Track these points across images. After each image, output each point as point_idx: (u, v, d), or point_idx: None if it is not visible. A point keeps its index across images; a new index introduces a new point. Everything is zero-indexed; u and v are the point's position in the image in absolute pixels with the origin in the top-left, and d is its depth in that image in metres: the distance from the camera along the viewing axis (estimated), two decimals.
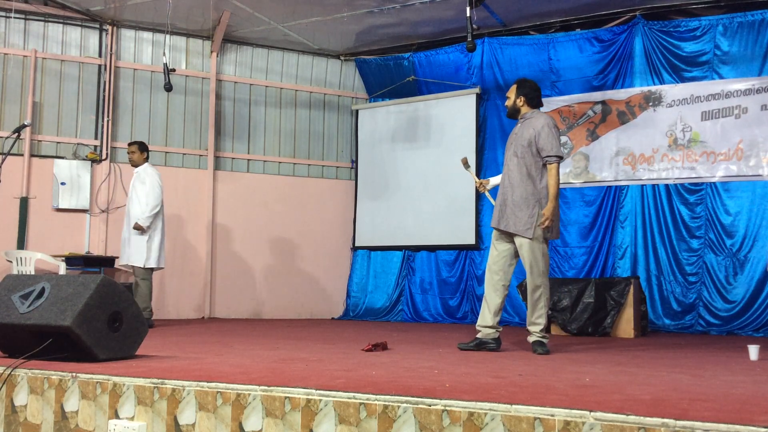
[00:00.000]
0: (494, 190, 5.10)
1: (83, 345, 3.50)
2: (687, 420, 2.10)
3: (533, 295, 4.64)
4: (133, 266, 6.88)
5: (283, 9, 8.13)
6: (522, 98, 4.80)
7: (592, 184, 7.90)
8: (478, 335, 4.76)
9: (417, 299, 8.90)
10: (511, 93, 4.86)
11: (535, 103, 4.82)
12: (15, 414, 3.30)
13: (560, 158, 4.63)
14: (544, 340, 4.65)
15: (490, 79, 8.63)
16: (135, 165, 6.99)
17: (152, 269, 6.88)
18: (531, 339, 4.69)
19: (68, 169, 8.16)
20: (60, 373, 3.24)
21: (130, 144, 7.14)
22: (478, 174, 8.51)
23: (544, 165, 4.65)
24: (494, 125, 8.61)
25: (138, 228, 6.73)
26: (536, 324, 4.65)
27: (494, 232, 4.82)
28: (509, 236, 4.72)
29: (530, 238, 4.58)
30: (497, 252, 4.76)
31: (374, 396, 2.55)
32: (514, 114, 4.88)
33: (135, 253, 6.78)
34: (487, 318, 4.73)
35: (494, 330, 4.73)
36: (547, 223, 4.56)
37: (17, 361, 3.43)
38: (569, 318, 6.57)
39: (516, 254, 4.75)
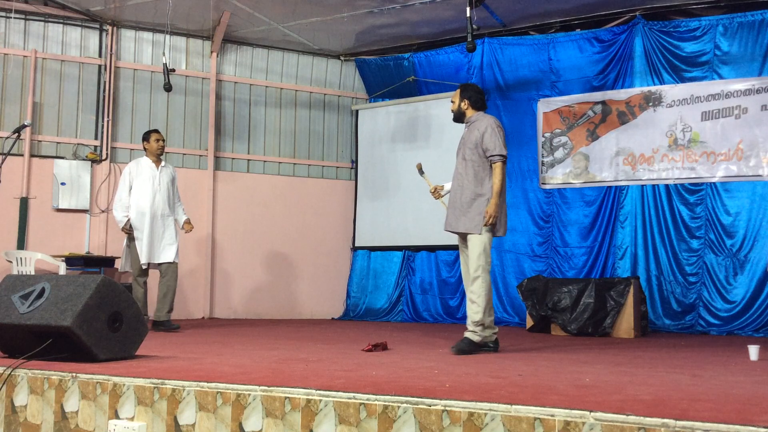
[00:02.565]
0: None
1: (83, 345, 3.50)
2: (687, 420, 2.10)
3: (470, 288, 4.62)
4: (173, 264, 6.51)
5: (283, 9, 8.13)
6: (466, 102, 4.89)
7: (592, 184, 7.90)
8: None
9: (417, 299, 8.90)
10: (455, 98, 4.95)
11: (479, 105, 4.91)
12: (15, 414, 3.30)
13: (504, 157, 4.70)
14: (472, 338, 4.57)
15: (491, 79, 8.62)
16: (161, 155, 6.63)
17: None
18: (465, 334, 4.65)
19: (68, 170, 8.16)
20: (60, 373, 3.24)
21: (157, 131, 6.68)
22: None
23: (491, 165, 4.72)
24: None
25: (191, 229, 6.70)
26: (471, 320, 4.60)
27: (458, 238, 4.90)
28: (464, 237, 4.78)
29: (479, 234, 4.64)
30: (462, 255, 4.87)
31: (374, 396, 2.55)
32: (459, 118, 4.96)
33: (177, 251, 6.55)
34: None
35: (492, 332, 4.72)
36: (490, 221, 4.61)
37: (17, 361, 3.43)
38: (569, 318, 6.57)
39: None
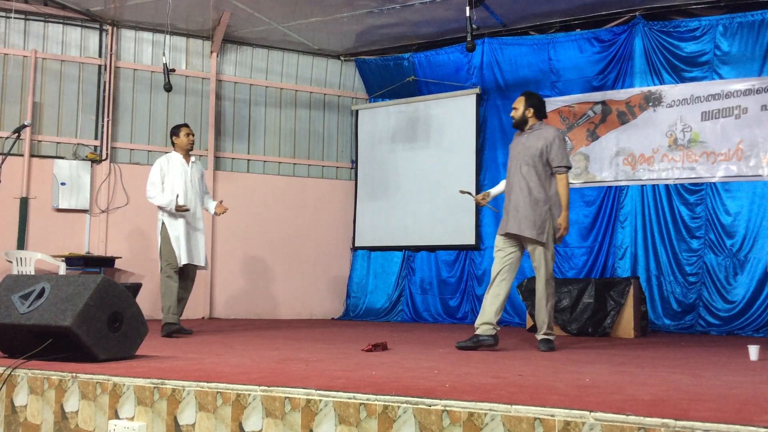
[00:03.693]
0: (494, 200, 5.35)
1: (83, 345, 3.50)
2: (687, 420, 2.10)
3: (545, 295, 4.86)
4: (198, 267, 6.22)
5: (283, 9, 8.13)
6: (531, 110, 4.97)
7: (592, 184, 7.90)
8: (477, 332, 4.85)
9: (417, 299, 8.90)
10: (519, 104, 5.00)
11: (542, 114, 5.03)
12: (15, 414, 3.30)
13: (569, 168, 4.87)
14: (550, 338, 4.87)
15: (490, 79, 8.63)
16: (191, 150, 6.26)
17: None
18: (538, 336, 4.90)
19: (68, 170, 8.16)
20: (60, 373, 3.24)
21: (187, 126, 6.31)
22: (478, 174, 8.55)
23: (552, 174, 4.86)
24: (494, 125, 8.62)
25: (224, 210, 6.31)
26: (546, 322, 4.87)
27: (500, 237, 4.97)
28: (516, 239, 4.89)
29: (542, 243, 4.79)
30: (504, 255, 4.91)
31: (374, 396, 2.55)
32: (521, 124, 5.03)
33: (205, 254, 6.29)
34: (487, 315, 4.83)
35: (492, 327, 4.81)
36: (564, 233, 4.81)
37: (17, 361, 3.43)
38: (569, 318, 6.57)
39: (520, 257, 4.95)
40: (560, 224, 4.79)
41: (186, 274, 6.17)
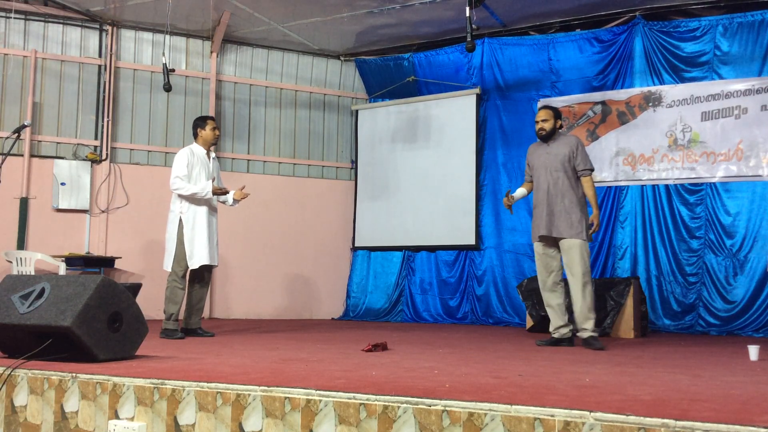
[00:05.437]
0: (517, 204, 5.66)
1: (83, 345, 3.50)
2: (687, 420, 2.10)
3: (583, 292, 5.07)
4: (211, 268, 6.06)
5: (283, 9, 8.13)
6: (559, 122, 5.43)
7: None
8: (554, 335, 5.23)
9: (417, 299, 8.90)
10: (549, 117, 5.39)
11: (561, 126, 5.51)
12: (15, 414, 3.30)
13: (592, 170, 5.34)
14: (596, 334, 5.09)
15: (490, 79, 8.62)
16: (215, 144, 6.07)
17: None
18: (584, 335, 5.08)
19: (68, 170, 8.16)
20: (60, 373, 3.24)
21: (213, 119, 6.08)
22: (478, 174, 8.55)
23: (578, 178, 5.29)
24: (494, 125, 8.62)
25: (244, 196, 6.17)
26: (590, 319, 5.07)
27: (538, 244, 5.31)
28: (554, 241, 5.22)
29: (582, 240, 5.12)
30: (546, 259, 5.28)
31: (374, 396, 2.56)
32: (549, 137, 5.38)
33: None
34: (557, 320, 5.22)
35: (567, 328, 5.18)
36: (597, 228, 5.20)
37: (17, 361, 3.43)
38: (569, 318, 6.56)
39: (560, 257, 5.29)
40: (593, 221, 5.19)
41: (201, 276, 5.98)
